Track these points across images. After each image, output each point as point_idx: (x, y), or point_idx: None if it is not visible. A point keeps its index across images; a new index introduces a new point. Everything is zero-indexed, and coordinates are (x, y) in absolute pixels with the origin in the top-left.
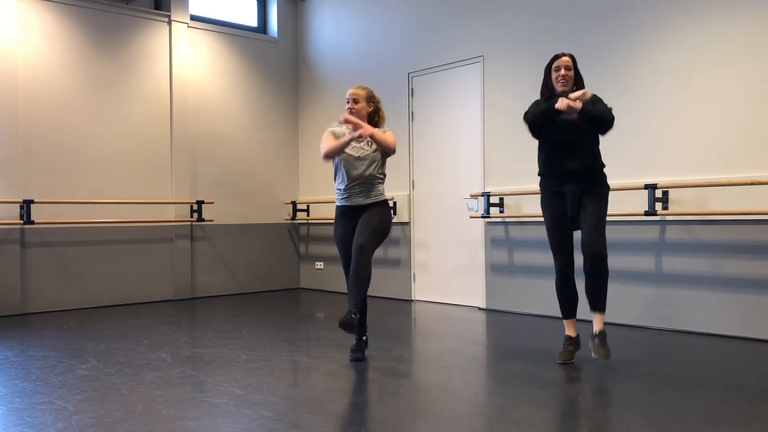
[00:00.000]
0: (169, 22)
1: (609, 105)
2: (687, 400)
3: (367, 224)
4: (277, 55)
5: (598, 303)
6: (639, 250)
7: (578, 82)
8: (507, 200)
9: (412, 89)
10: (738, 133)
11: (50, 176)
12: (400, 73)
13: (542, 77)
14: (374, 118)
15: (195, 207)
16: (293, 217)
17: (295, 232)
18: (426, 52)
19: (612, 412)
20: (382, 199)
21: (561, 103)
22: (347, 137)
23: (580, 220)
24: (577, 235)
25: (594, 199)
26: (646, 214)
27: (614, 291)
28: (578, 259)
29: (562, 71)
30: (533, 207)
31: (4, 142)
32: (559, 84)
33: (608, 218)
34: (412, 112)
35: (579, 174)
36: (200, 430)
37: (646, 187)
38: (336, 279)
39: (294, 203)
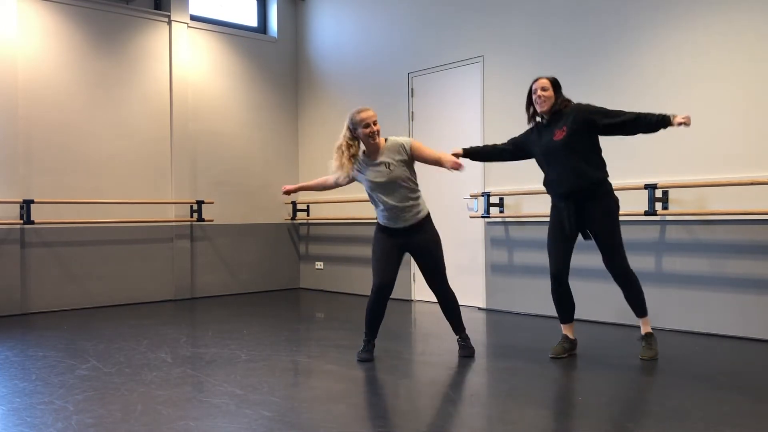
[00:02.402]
0: (169, 22)
1: (610, 107)
2: (687, 400)
3: (435, 263)
4: (277, 55)
5: (638, 310)
6: (639, 250)
7: (561, 101)
8: (507, 200)
9: (412, 89)
10: (738, 133)
11: (50, 176)
12: (400, 73)
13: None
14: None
15: (195, 207)
16: (293, 217)
17: (295, 232)
18: (426, 52)
19: (612, 412)
20: (425, 215)
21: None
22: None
23: (595, 240)
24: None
25: (599, 217)
26: (646, 214)
27: (614, 291)
28: (578, 262)
29: (538, 92)
30: (533, 207)
31: (4, 142)
32: (537, 105)
33: None
34: (412, 112)
35: (571, 193)
36: (200, 430)
37: (646, 187)
38: (336, 279)
39: (294, 203)
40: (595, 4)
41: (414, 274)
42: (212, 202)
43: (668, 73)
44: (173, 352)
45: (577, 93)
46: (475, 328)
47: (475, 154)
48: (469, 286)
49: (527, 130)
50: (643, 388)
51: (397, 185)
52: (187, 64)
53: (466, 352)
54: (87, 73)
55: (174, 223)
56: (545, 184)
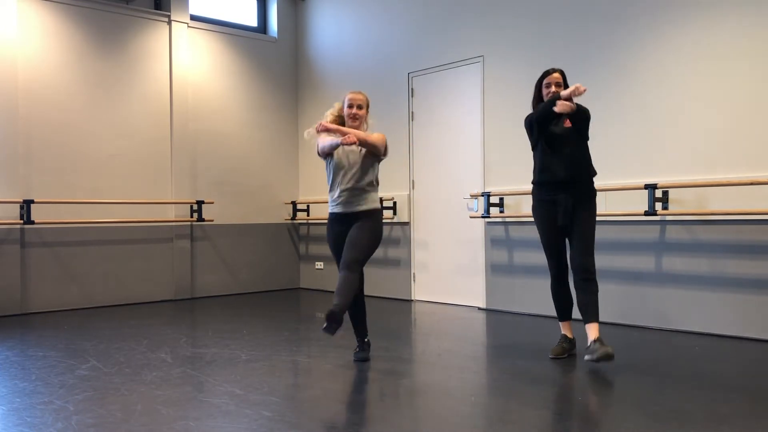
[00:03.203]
0: (169, 22)
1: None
2: (687, 400)
3: (357, 241)
4: (277, 55)
5: (591, 316)
6: (639, 250)
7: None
8: (507, 200)
9: (412, 89)
10: (738, 133)
11: (50, 176)
12: (400, 73)
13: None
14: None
15: (195, 207)
16: (293, 217)
17: (295, 232)
18: (426, 52)
19: (612, 412)
20: (374, 207)
21: (560, 107)
22: (337, 140)
23: (571, 237)
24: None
25: (586, 217)
26: (646, 214)
27: (614, 291)
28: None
29: (553, 88)
30: None
31: (4, 142)
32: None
33: (608, 218)
34: (412, 112)
35: (572, 182)
36: (200, 430)
37: (646, 187)
38: (336, 279)
39: (294, 203)
40: (595, 4)
41: (414, 273)
42: (212, 202)
43: (668, 74)
44: (173, 352)
45: None
46: (475, 328)
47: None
48: (469, 286)
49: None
50: (643, 388)
51: (362, 170)
52: (187, 64)
53: (362, 356)
54: (87, 73)
55: (174, 223)
56: (541, 171)
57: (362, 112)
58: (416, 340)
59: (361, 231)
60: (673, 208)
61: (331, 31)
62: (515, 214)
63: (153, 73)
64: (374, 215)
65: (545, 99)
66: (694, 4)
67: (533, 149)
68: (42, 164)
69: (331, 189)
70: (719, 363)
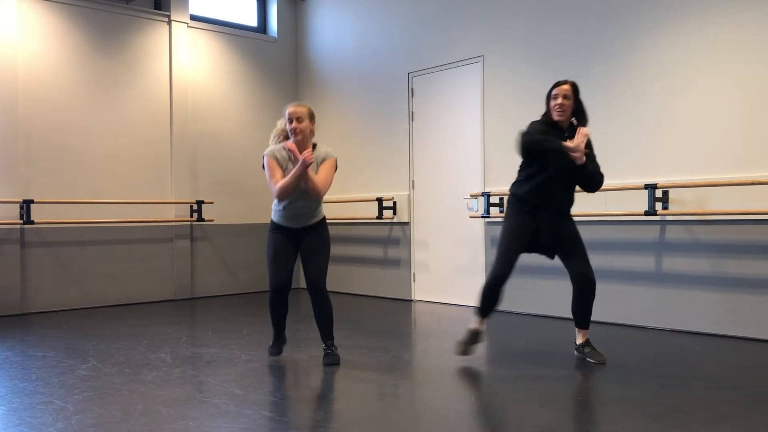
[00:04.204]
0: (169, 22)
1: (599, 163)
2: (687, 400)
3: (317, 259)
4: (277, 55)
5: (586, 322)
6: (639, 250)
7: (578, 112)
8: (507, 200)
9: (412, 89)
10: (738, 133)
11: (50, 176)
12: (400, 73)
13: (542, 77)
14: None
15: (195, 207)
16: None
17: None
18: (426, 52)
19: (612, 412)
20: (321, 218)
21: (579, 159)
22: (298, 169)
23: (568, 251)
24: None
25: (575, 231)
26: (646, 214)
27: (614, 291)
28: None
29: (560, 100)
30: None
31: (4, 142)
32: (555, 113)
33: (608, 218)
34: (412, 112)
35: (561, 211)
36: (200, 430)
37: (646, 187)
38: (336, 279)
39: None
40: (596, 4)
41: (414, 273)
42: (212, 202)
43: (668, 73)
44: (173, 352)
45: None
46: None
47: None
48: (469, 286)
49: (542, 123)
50: (643, 387)
51: (305, 191)
52: (187, 64)
53: (331, 360)
54: (87, 73)
55: (174, 223)
56: (536, 196)
57: (303, 125)
58: (416, 340)
59: (318, 248)
60: (673, 208)
61: (331, 31)
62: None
63: (153, 73)
64: (323, 227)
65: (552, 110)
66: (694, 3)
67: (524, 161)
68: (42, 164)
69: (278, 201)
70: (719, 363)
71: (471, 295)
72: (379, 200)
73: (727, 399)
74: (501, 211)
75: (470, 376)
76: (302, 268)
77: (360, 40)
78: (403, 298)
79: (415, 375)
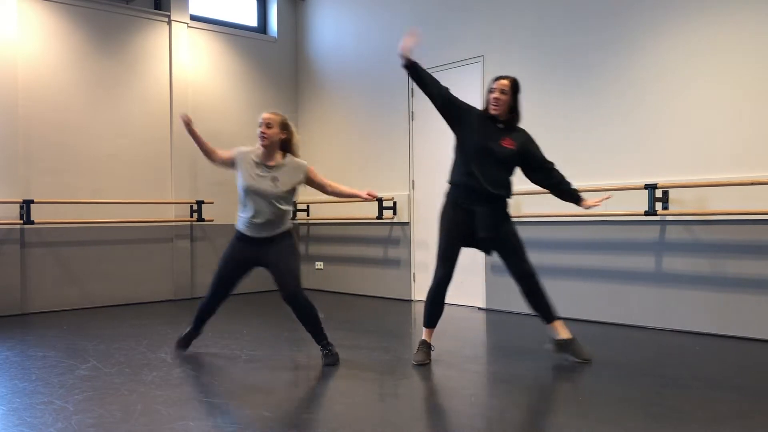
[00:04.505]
0: (169, 22)
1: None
2: (687, 400)
3: (287, 267)
4: (277, 55)
5: (550, 314)
6: (639, 250)
7: (514, 110)
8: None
9: (412, 89)
10: (738, 133)
11: (50, 176)
12: (400, 73)
13: (542, 77)
14: (288, 146)
15: (195, 207)
16: (293, 217)
17: (295, 232)
18: (426, 52)
19: (612, 412)
20: (288, 228)
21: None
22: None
23: (503, 246)
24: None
25: (512, 226)
26: (646, 214)
27: (614, 291)
28: (579, 262)
29: (496, 94)
30: (533, 207)
31: (4, 142)
32: (490, 106)
33: (608, 218)
34: (412, 112)
35: (493, 197)
36: (200, 430)
37: (646, 187)
38: (336, 279)
39: (294, 203)
40: (595, 4)
41: (414, 273)
42: (212, 202)
43: (668, 73)
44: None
45: (577, 93)
46: (475, 328)
47: (415, 69)
48: (469, 286)
49: (470, 106)
50: (643, 388)
51: (275, 200)
52: (187, 64)
53: (331, 360)
54: (87, 73)
55: (174, 223)
56: (462, 175)
57: (271, 131)
58: (416, 340)
59: (287, 259)
60: (673, 208)
61: (331, 31)
62: (515, 214)
63: (153, 73)
64: (290, 238)
65: (488, 103)
66: (694, 3)
67: (457, 138)
68: (42, 164)
69: (244, 210)
70: (719, 363)
71: (471, 295)
72: (379, 200)
73: (727, 399)
74: None
75: (470, 375)
76: (274, 281)
77: (360, 40)
78: (403, 298)
79: (415, 375)
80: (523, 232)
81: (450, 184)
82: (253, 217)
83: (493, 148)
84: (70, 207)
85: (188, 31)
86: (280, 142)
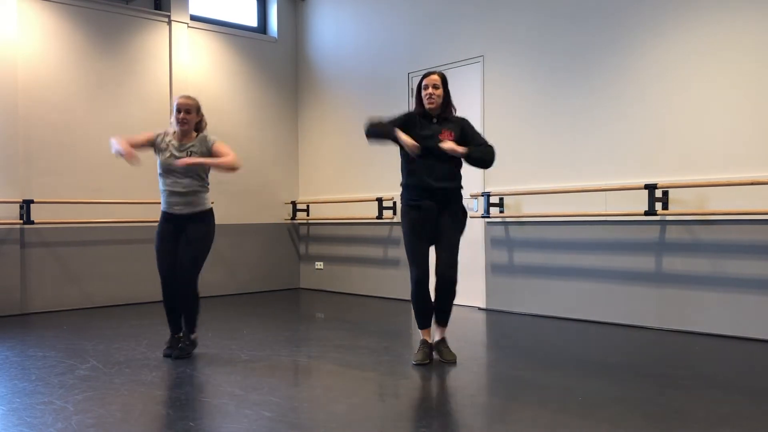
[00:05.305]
0: (169, 22)
1: (486, 139)
2: (687, 400)
3: (189, 250)
4: (277, 55)
5: (445, 320)
6: (639, 250)
7: (446, 102)
8: (507, 200)
9: (412, 89)
10: (738, 133)
11: (50, 176)
12: (400, 73)
13: (542, 77)
14: (200, 125)
15: None
16: (293, 217)
17: (295, 232)
18: (426, 52)
19: (612, 412)
20: (206, 208)
21: (413, 151)
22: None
23: (437, 242)
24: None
25: (451, 224)
26: (646, 214)
27: (614, 291)
28: (582, 262)
29: (430, 89)
30: (533, 207)
31: (4, 142)
32: (426, 101)
33: (608, 218)
34: None
35: (438, 190)
36: (200, 430)
37: (646, 187)
38: (336, 279)
39: (294, 203)
40: (595, 4)
41: None
42: (212, 202)
43: (668, 73)
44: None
45: (577, 93)
46: (475, 328)
47: (374, 135)
48: (469, 286)
49: (406, 114)
50: (643, 388)
51: (187, 172)
52: (187, 64)
53: (179, 353)
54: (87, 73)
55: None
56: (413, 175)
57: (190, 116)
58: (416, 341)
59: (194, 241)
60: (673, 208)
61: (331, 31)
62: (515, 214)
63: (153, 73)
64: (206, 217)
65: (423, 99)
66: (694, 3)
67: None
68: (42, 164)
69: (162, 189)
70: (719, 363)
71: (471, 295)
72: (379, 200)
73: (727, 399)
74: (501, 211)
75: (470, 375)
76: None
77: (360, 40)
78: (403, 298)
79: (415, 375)
80: (522, 233)
81: (401, 186)
82: (171, 195)
83: (432, 145)
84: (69, 207)
85: (188, 31)
86: (195, 124)
